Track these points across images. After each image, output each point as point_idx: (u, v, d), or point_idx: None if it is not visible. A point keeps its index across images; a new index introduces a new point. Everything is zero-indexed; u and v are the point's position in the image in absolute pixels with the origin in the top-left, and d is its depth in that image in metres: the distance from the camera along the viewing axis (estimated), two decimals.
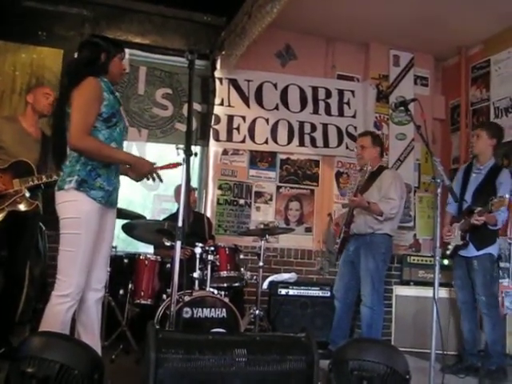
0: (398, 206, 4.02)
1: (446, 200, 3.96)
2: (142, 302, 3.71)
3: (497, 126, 4.11)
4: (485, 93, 5.09)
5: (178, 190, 4.34)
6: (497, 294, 4.10)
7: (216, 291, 3.58)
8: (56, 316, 2.36)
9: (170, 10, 4.92)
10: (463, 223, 3.78)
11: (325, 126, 5.30)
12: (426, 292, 4.47)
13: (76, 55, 2.74)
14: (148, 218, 4.46)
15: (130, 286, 3.72)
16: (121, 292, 3.74)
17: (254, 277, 3.96)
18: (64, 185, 2.42)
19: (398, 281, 4.97)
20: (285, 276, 4.72)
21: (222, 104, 5.05)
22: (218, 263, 3.73)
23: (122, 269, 3.85)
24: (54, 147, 2.59)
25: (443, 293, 4.42)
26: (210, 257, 3.63)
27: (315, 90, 5.32)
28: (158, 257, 3.90)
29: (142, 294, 3.72)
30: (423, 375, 2.66)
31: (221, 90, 5.06)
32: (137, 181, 2.71)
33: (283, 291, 4.58)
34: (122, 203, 3.20)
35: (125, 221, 3.84)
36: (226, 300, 3.47)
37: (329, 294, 4.54)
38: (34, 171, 3.37)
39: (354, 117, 5.40)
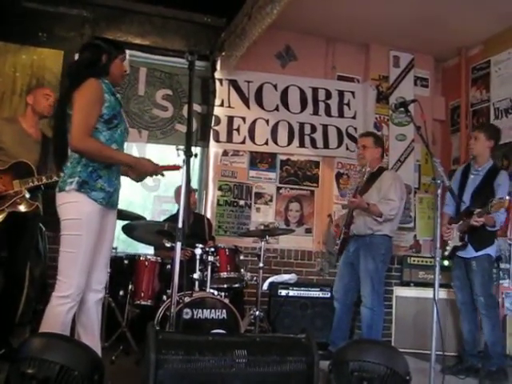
0: (397, 207, 4.02)
1: (444, 201, 3.96)
2: (142, 302, 3.72)
3: (494, 127, 4.12)
4: (485, 94, 5.09)
5: (178, 191, 4.34)
6: (495, 295, 4.09)
7: (216, 292, 3.58)
8: (56, 317, 2.36)
9: (170, 11, 4.91)
10: (462, 224, 3.78)
11: (325, 126, 5.30)
12: (426, 293, 4.47)
13: (77, 57, 2.75)
14: (148, 219, 4.46)
15: (130, 286, 3.72)
16: (121, 293, 3.74)
17: (254, 278, 3.96)
18: (65, 186, 2.42)
19: (398, 282, 4.97)
20: (285, 277, 4.71)
21: (222, 105, 5.05)
22: (218, 264, 3.74)
23: (123, 270, 3.84)
24: (55, 148, 2.59)
25: (442, 294, 4.41)
26: (210, 258, 3.63)
27: (315, 90, 5.32)
28: (158, 258, 3.90)
29: (142, 294, 3.73)
30: (423, 376, 2.66)
31: (221, 91, 5.06)
32: (137, 181, 2.73)
33: (283, 292, 4.58)
34: (122, 204, 3.19)
35: (125, 222, 3.84)
36: (226, 301, 3.47)
37: (329, 294, 4.53)
38: (34, 172, 3.37)
39: (354, 118, 5.40)
